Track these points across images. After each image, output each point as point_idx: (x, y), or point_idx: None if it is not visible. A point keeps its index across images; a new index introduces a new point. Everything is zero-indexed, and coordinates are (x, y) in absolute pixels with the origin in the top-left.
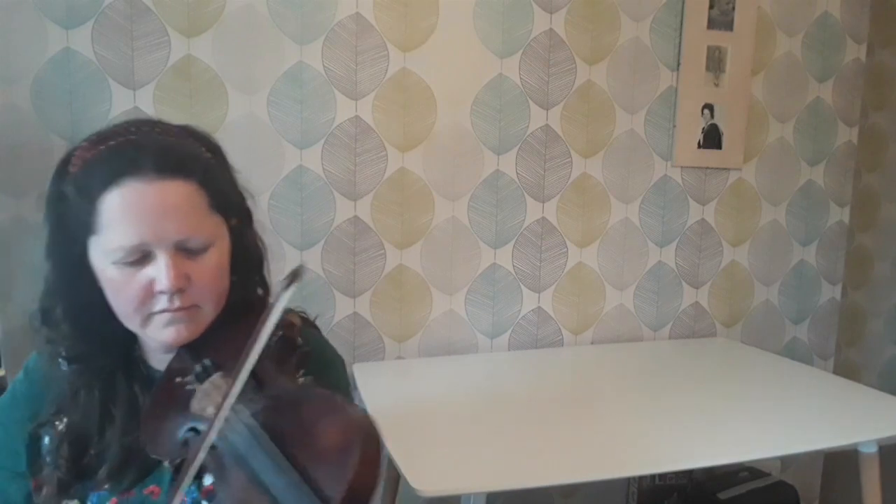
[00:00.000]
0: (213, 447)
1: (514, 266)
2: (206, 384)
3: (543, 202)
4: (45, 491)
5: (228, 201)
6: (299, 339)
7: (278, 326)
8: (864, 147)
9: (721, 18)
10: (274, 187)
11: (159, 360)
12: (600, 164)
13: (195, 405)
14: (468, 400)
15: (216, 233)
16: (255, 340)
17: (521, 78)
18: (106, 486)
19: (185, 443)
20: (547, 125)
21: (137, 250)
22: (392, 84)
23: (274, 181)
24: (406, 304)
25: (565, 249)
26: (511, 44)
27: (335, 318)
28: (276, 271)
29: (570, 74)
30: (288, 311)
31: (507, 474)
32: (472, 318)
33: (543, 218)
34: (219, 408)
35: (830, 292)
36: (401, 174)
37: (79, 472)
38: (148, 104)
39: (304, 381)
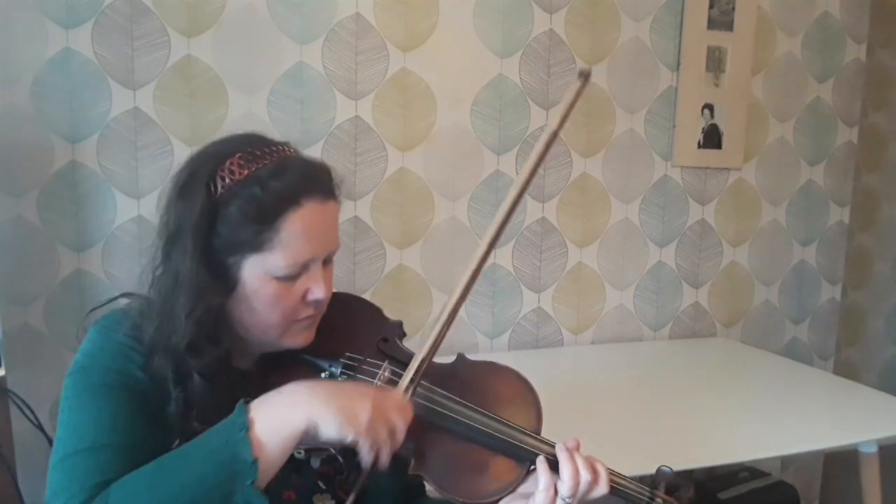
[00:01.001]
0: None
1: (514, 266)
2: (381, 371)
3: (543, 202)
4: None
5: None
6: None
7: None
8: (864, 147)
9: (721, 18)
10: None
11: (244, 362)
12: (600, 164)
13: None
14: None
15: None
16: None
17: (521, 78)
18: None
19: None
20: (547, 125)
21: (304, 265)
22: (392, 84)
23: None
24: (406, 303)
25: (565, 249)
26: (511, 44)
27: None
28: None
29: (570, 74)
30: None
31: None
32: (472, 318)
33: (543, 218)
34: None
35: (830, 292)
36: (401, 174)
37: None
38: (148, 104)
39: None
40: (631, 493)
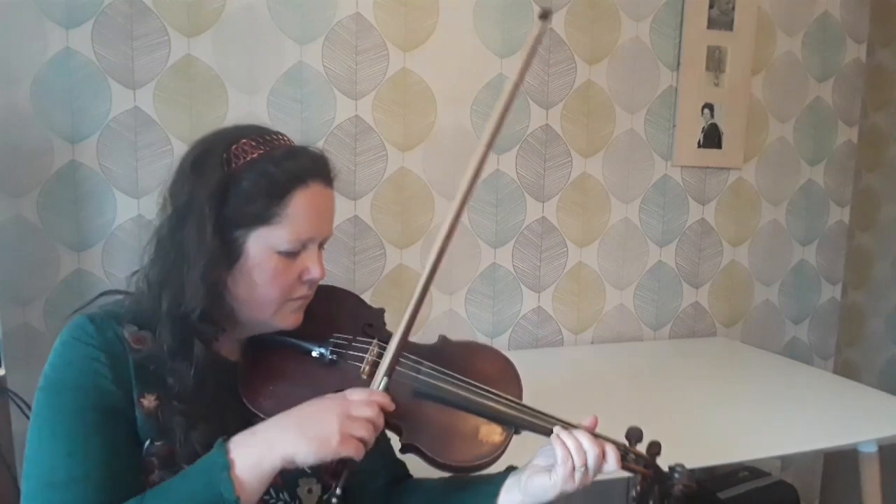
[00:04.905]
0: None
1: (514, 265)
2: (371, 347)
3: (543, 202)
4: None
5: None
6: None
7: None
8: (864, 147)
9: (721, 18)
10: None
11: (230, 350)
12: (600, 163)
13: (364, 368)
14: None
15: None
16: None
17: None
18: None
19: None
20: (547, 125)
21: (304, 243)
22: (392, 84)
23: None
24: (406, 303)
25: (565, 249)
26: (511, 44)
27: None
28: None
29: (570, 74)
30: None
31: None
32: (472, 317)
33: (543, 217)
34: (395, 356)
35: (830, 292)
36: (401, 174)
37: (191, 455)
38: (148, 104)
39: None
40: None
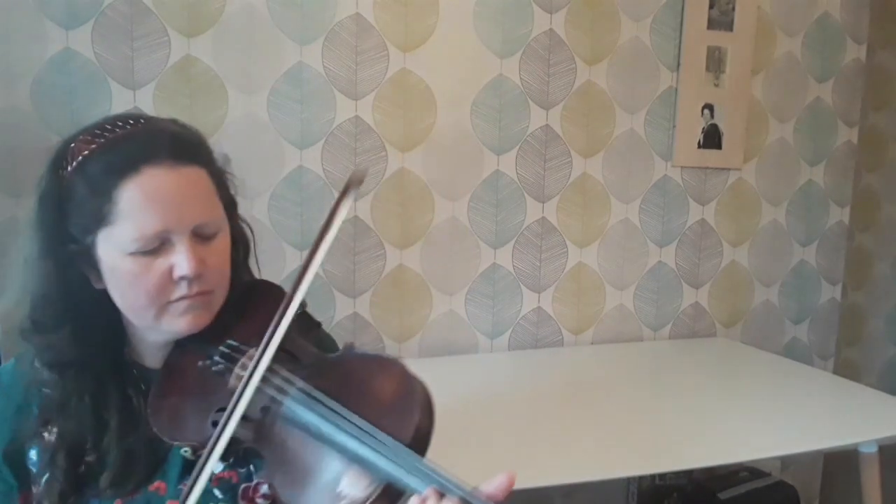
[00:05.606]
0: (249, 419)
1: (514, 266)
2: (244, 360)
3: (543, 202)
4: None
5: (225, 188)
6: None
7: (301, 304)
8: (864, 147)
9: (721, 18)
10: (274, 187)
11: (155, 359)
12: (600, 164)
13: (233, 382)
14: (468, 400)
15: (223, 218)
16: (294, 290)
17: (521, 78)
18: (108, 492)
19: (215, 424)
20: (547, 125)
21: (158, 238)
22: (392, 84)
23: (274, 181)
24: (406, 304)
25: (565, 249)
26: (511, 44)
27: (335, 318)
28: (275, 271)
29: (570, 74)
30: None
31: None
32: (472, 318)
33: (543, 218)
34: (251, 373)
35: (830, 292)
36: (401, 174)
37: (77, 481)
38: (148, 104)
39: (341, 349)
40: None
